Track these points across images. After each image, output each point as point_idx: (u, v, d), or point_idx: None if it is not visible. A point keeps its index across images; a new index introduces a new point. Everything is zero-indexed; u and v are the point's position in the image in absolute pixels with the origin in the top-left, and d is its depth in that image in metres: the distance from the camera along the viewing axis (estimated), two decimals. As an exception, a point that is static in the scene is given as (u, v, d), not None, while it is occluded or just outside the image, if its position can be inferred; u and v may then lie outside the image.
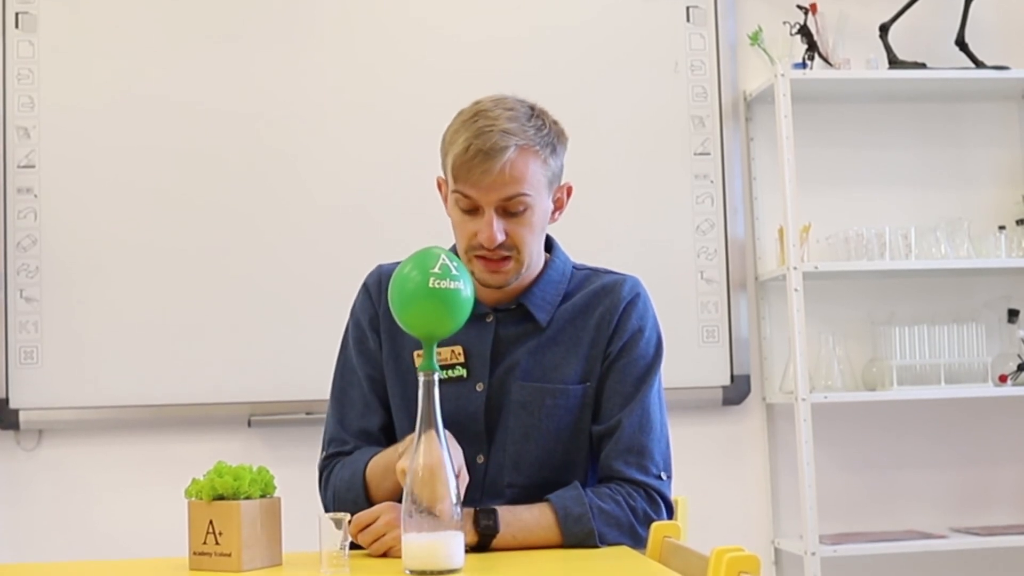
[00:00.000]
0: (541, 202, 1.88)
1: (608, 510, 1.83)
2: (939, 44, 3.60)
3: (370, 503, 1.87)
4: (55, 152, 3.35)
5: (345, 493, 1.93)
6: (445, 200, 1.94)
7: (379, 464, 1.89)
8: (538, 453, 1.90)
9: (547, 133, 1.87)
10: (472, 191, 1.83)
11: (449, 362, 1.91)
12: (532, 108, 1.89)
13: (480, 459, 1.91)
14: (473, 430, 1.90)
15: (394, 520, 1.71)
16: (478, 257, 1.87)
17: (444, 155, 1.89)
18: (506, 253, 1.86)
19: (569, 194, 1.97)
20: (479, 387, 1.92)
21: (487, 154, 1.79)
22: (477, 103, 1.88)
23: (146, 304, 3.33)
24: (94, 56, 3.39)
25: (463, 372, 1.92)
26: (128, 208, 3.36)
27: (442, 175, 1.93)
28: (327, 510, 1.97)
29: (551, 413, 1.90)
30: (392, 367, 1.98)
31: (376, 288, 2.00)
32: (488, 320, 1.94)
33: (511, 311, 1.95)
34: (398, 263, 1.72)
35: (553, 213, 1.95)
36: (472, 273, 1.84)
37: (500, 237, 1.83)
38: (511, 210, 1.84)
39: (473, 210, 1.85)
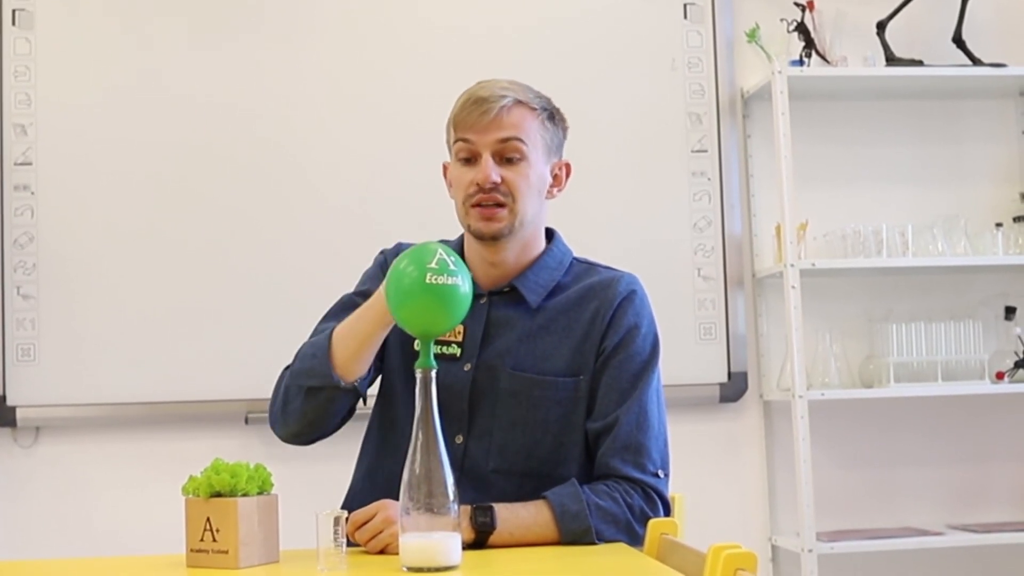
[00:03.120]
0: (538, 161, 1.93)
1: (605, 507, 1.83)
2: (936, 41, 3.60)
3: (331, 362, 1.86)
4: (52, 149, 3.34)
5: (308, 348, 1.92)
6: (450, 186, 1.98)
7: (347, 320, 1.88)
8: (524, 442, 1.91)
9: (547, 102, 1.96)
10: (470, 133, 1.90)
11: (447, 339, 1.93)
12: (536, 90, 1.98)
13: (459, 439, 1.91)
14: (456, 409, 1.91)
15: (391, 517, 1.71)
16: (474, 206, 1.91)
17: (448, 125, 1.96)
18: (501, 199, 1.90)
19: (568, 173, 2.02)
20: (467, 367, 1.93)
21: (485, 99, 1.89)
22: None
23: (143, 301, 3.33)
24: (91, 53, 3.39)
25: (457, 351, 1.94)
26: (125, 205, 3.35)
27: (448, 159, 1.97)
28: (278, 394, 1.95)
29: (539, 404, 1.91)
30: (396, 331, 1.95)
31: (393, 259, 2.01)
32: (482, 301, 1.95)
33: (504, 294, 1.97)
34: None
35: (551, 188, 1.99)
36: (468, 227, 1.93)
37: (495, 177, 1.89)
38: (507, 154, 1.90)
39: (472, 158, 1.91)
